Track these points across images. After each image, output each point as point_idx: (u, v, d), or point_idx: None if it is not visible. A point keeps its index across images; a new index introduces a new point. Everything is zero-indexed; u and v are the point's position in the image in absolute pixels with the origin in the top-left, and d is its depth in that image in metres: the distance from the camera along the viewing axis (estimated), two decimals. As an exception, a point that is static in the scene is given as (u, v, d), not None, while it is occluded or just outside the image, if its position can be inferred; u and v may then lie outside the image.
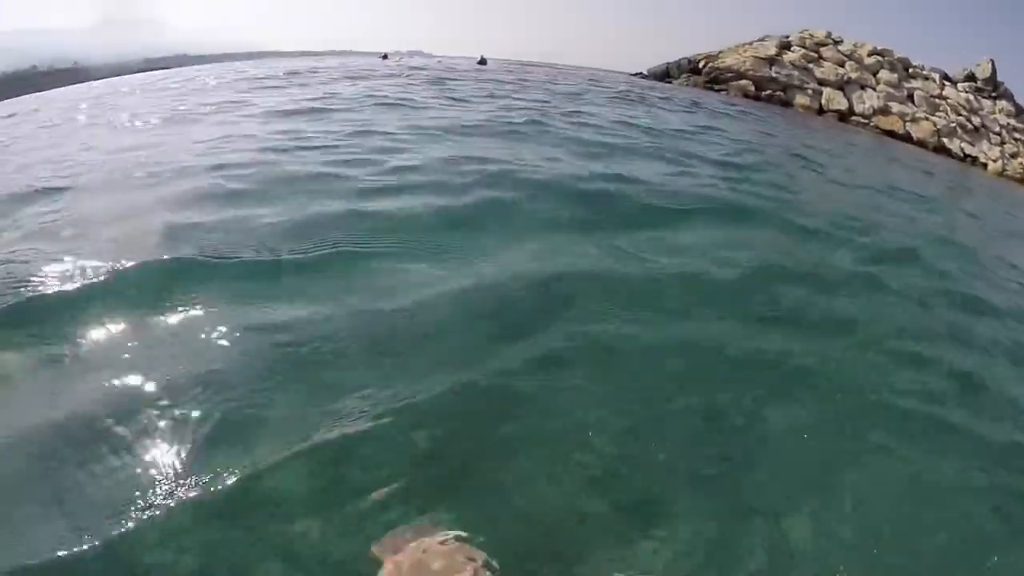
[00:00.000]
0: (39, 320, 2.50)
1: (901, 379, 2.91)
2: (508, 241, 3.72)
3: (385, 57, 24.85)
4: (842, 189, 8.11)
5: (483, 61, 24.70)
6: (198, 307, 2.66)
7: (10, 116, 10.35)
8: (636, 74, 30.18)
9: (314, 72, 14.68)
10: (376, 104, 9.28)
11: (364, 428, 2.00)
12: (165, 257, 3.05)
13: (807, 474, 2.18)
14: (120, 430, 1.93)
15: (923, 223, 6.81)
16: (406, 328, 2.65)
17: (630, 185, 5.32)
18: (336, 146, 5.99)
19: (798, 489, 2.11)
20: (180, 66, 26.60)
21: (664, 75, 28.79)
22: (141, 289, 2.74)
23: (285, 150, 5.71)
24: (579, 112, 10.17)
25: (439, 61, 25.75)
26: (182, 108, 9.20)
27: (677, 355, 2.74)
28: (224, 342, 2.42)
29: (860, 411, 2.58)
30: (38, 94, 15.54)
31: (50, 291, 2.72)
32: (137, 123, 7.90)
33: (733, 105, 18.75)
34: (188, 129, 7.26)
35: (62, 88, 16.87)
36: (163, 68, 25.33)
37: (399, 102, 9.57)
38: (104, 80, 18.16)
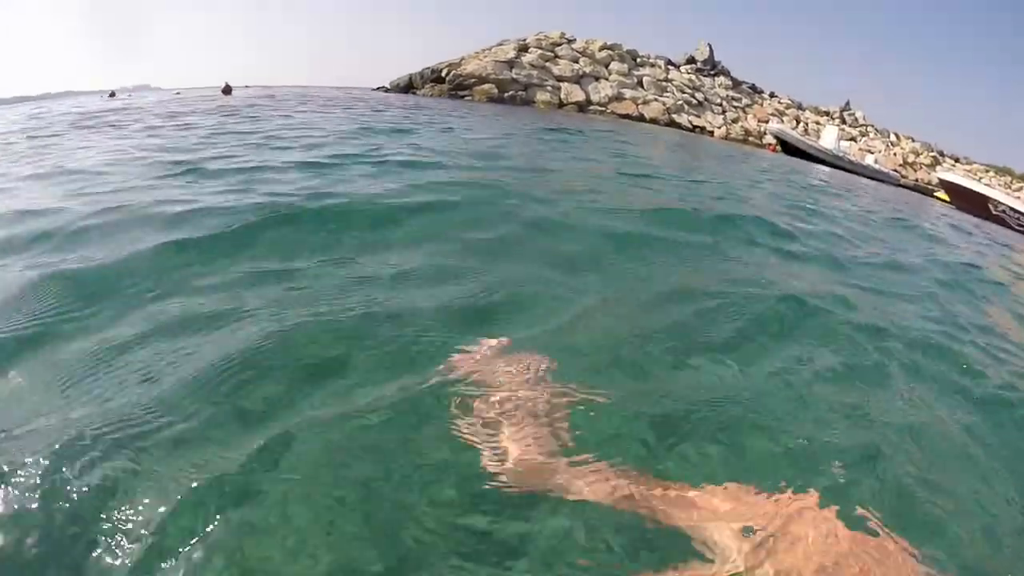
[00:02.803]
0: None
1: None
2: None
3: (112, 95, 22.31)
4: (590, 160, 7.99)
5: (227, 90, 21.18)
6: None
7: None
8: (379, 88, 27.84)
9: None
10: None
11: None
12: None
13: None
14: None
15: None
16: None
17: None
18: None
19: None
20: None
21: (408, 87, 26.80)
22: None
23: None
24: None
25: (177, 94, 22.26)
26: None
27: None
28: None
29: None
30: None
31: None
32: None
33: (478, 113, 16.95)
34: None
35: None
36: None
37: None
38: None
